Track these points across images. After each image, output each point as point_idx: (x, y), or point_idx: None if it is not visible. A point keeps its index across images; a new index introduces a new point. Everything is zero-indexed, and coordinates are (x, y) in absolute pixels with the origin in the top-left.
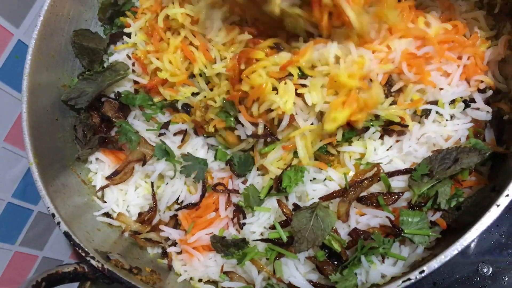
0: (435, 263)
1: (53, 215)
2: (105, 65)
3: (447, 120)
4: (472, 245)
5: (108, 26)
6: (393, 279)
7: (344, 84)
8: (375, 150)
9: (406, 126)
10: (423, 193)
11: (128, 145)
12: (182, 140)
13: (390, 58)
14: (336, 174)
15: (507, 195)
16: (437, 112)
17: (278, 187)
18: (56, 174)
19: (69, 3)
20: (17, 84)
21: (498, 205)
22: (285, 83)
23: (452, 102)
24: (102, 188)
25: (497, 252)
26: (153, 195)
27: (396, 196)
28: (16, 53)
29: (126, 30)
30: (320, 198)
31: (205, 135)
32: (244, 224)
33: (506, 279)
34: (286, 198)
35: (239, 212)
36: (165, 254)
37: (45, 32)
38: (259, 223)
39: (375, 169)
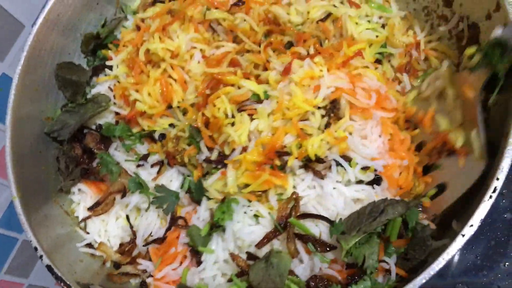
0: None
1: (36, 249)
2: (88, 97)
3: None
4: (452, 267)
5: (91, 58)
6: None
7: (298, 107)
8: (294, 186)
9: (324, 162)
10: (351, 253)
11: (109, 177)
12: (158, 172)
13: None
14: (263, 208)
15: (472, 225)
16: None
17: (214, 223)
18: (39, 205)
19: (53, 36)
20: (1, 116)
21: (463, 235)
22: (241, 115)
23: (366, 168)
24: (84, 220)
25: (473, 274)
26: (131, 227)
27: (328, 248)
28: (0, 85)
29: (108, 63)
30: (256, 246)
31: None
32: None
33: None
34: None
35: (194, 252)
36: (144, 285)
37: (28, 66)
38: (210, 265)
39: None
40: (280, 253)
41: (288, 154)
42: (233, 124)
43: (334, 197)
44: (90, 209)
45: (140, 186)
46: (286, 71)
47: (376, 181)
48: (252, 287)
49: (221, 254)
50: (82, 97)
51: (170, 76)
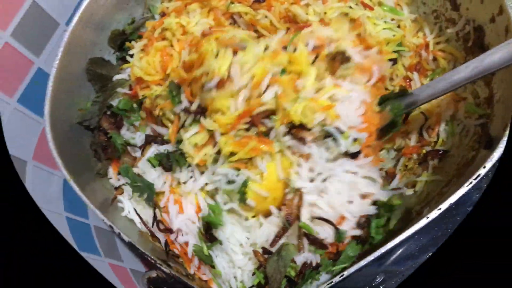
0: (352, 269)
1: (111, 227)
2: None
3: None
4: (393, 257)
5: (119, 54)
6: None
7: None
8: (297, 173)
9: (309, 129)
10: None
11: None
12: (142, 153)
13: None
14: (253, 175)
15: (440, 209)
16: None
17: (210, 237)
18: (92, 187)
19: (86, 34)
20: (37, 108)
21: (428, 217)
22: (225, 50)
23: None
24: (113, 200)
25: (403, 263)
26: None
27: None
28: (36, 79)
29: (130, 52)
30: (270, 245)
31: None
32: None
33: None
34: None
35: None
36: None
37: (64, 61)
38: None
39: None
40: (288, 245)
41: (269, 118)
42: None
43: (341, 194)
44: (116, 189)
45: (127, 173)
46: (301, 27)
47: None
48: (267, 278)
49: (228, 268)
50: None
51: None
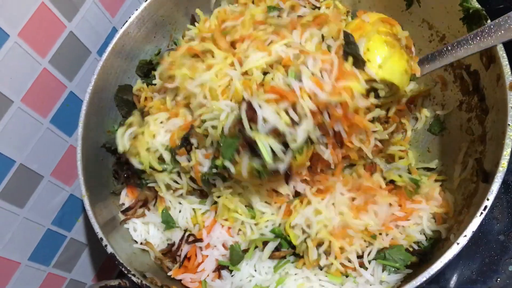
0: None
1: (101, 239)
2: None
3: None
4: (452, 280)
5: (144, 81)
6: None
7: None
8: None
9: None
10: None
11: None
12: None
13: None
14: None
15: (465, 236)
16: None
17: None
18: (101, 204)
19: (117, 63)
20: (66, 128)
21: (458, 243)
22: None
23: None
24: (121, 222)
25: (468, 287)
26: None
27: None
28: (67, 102)
29: (154, 81)
30: None
31: None
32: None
33: None
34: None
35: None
36: None
37: (96, 87)
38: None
39: None
40: None
41: None
42: None
43: None
44: (122, 212)
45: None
46: None
47: None
48: None
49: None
50: None
51: None
